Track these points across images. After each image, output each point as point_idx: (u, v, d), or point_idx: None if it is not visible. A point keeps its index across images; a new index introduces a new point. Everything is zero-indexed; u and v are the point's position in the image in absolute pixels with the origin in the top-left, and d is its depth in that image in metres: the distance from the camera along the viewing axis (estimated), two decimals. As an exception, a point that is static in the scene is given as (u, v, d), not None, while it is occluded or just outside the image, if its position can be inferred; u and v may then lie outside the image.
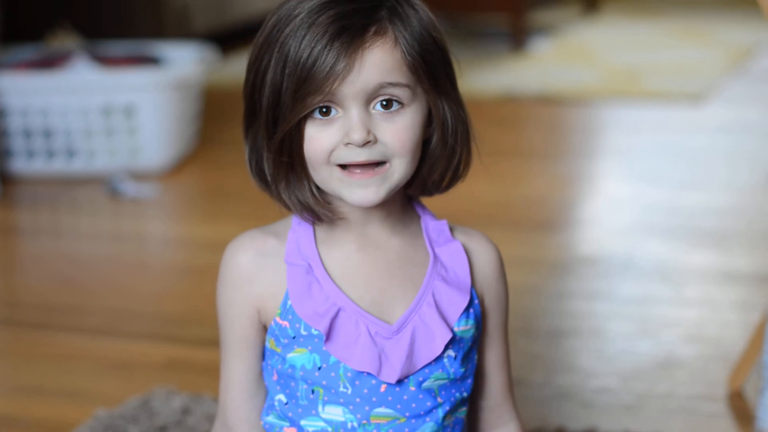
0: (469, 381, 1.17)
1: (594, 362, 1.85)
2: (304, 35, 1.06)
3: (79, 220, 2.77)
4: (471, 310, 1.15)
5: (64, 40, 3.36)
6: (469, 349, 1.16)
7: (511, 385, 1.23)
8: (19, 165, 3.04)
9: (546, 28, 5.28)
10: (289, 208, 1.14)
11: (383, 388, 1.11)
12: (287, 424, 1.14)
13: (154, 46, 3.43)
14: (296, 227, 1.15)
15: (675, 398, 1.73)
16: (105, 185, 2.92)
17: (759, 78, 4.20)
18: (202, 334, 2.00)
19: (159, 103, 3.00)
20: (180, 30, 4.27)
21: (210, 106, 3.43)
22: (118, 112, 3.01)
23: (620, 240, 2.49)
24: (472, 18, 5.31)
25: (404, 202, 1.17)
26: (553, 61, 4.52)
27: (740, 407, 1.70)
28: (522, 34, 4.75)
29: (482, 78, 4.18)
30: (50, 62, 3.12)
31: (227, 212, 2.74)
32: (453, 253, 1.16)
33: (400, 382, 1.11)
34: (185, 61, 3.25)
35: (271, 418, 1.16)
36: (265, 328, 1.15)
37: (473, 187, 2.76)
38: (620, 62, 4.45)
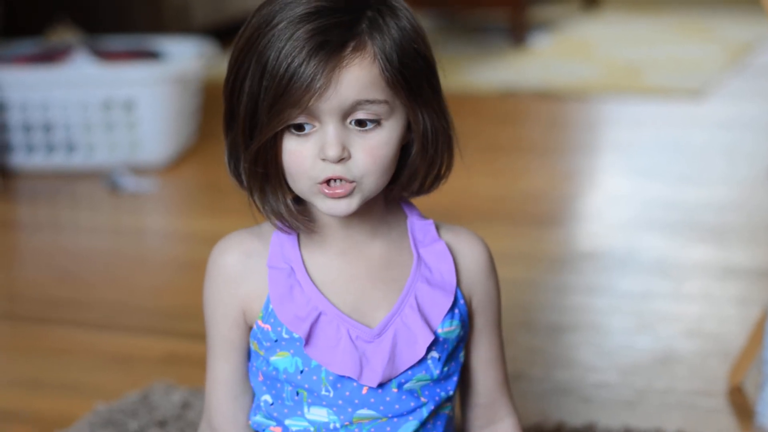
0: (454, 379, 1.16)
1: (593, 357, 1.85)
2: (283, 47, 1.04)
3: (79, 214, 2.77)
4: (456, 311, 1.14)
5: (64, 35, 3.36)
6: (454, 349, 1.15)
7: (506, 381, 1.22)
8: (19, 159, 3.03)
9: (546, 24, 5.27)
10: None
11: (365, 390, 1.10)
12: (273, 423, 1.14)
13: (154, 40, 3.43)
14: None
15: (674, 393, 1.73)
16: (104, 179, 2.92)
17: (759, 73, 4.20)
18: (202, 328, 1.98)
19: (158, 98, 3.00)
20: (179, 24, 4.27)
21: (209, 101, 3.42)
22: (118, 106, 3.01)
23: (620, 235, 2.49)
24: (472, 13, 5.31)
25: (389, 203, 1.15)
26: (553, 57, 4.52)
27: (740, 403, 1.70)
28: (522, 30, 4.75)
29: (482, 73, 4.18)
30: (50, 56, 3.12)
31: (226, 207, 2.73)
32: (437, 254, 1.14)
33: (381, 384, 1.10)
34: (185, 56, 3.25)
35: (258, 418, 1.15)
36: (250, 329, 1.14)
37: (473, 182, 2.76)
38: (620, 57, 4.45)
